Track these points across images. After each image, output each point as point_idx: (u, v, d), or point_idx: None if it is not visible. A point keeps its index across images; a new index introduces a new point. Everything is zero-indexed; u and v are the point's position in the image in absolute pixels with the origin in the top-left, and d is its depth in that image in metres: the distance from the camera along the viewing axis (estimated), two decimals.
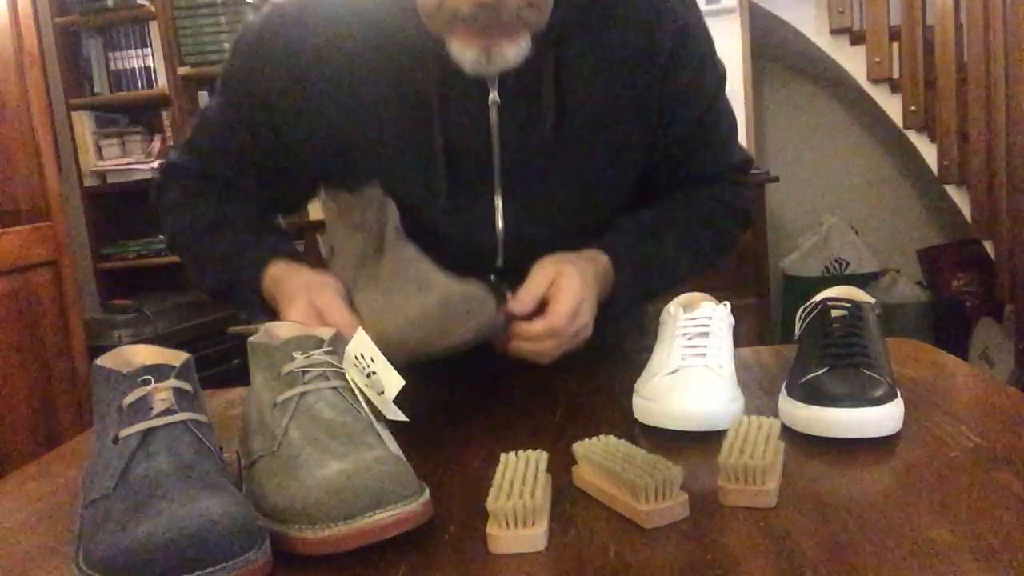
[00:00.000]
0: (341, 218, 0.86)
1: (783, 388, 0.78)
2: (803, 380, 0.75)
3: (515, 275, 0.89)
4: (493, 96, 0.88)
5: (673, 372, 0.79)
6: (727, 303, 0.86)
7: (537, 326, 0.84)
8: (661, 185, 1.03)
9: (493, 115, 0.89)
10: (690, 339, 0.81)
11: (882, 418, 0.70)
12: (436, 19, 0.81)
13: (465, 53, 0.81)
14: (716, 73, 0.98)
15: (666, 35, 0.90)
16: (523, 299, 0.86)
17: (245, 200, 1.00)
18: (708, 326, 0.82)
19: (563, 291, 0.85)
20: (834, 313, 0.81)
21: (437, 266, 0.83)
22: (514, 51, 0.82)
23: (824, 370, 0.74)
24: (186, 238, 1.02)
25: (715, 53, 0.98)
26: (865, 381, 0.72)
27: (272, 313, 0.89)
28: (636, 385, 0.82)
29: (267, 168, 0.97)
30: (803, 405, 0.72)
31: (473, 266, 0.89)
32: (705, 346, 0.80)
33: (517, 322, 0.85)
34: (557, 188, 0.94)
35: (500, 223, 0.94)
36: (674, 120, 0.95)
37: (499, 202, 0.94)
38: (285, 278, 0.89)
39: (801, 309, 0.85)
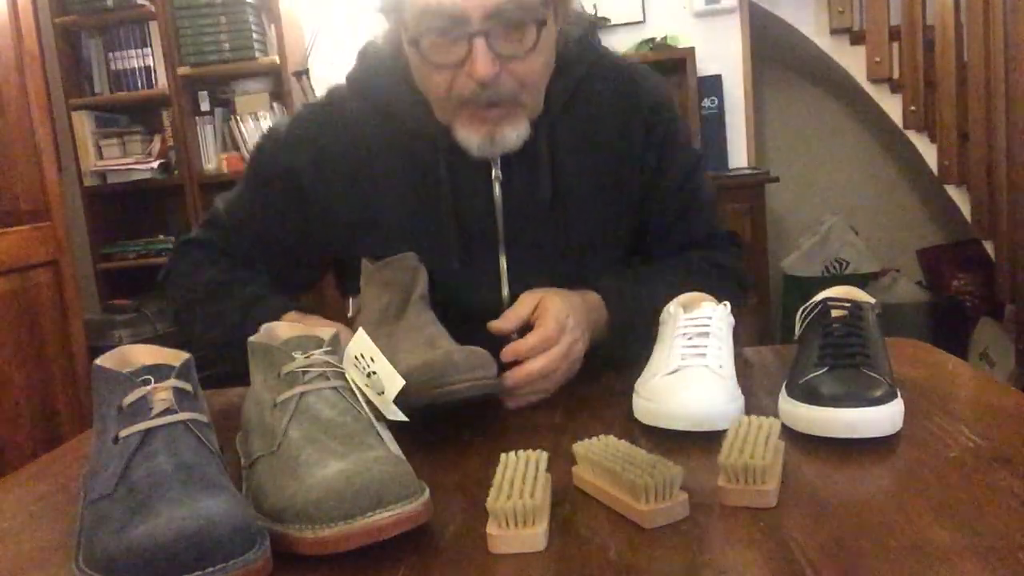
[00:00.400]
0: (374, 276, 0.89)
1: (783, 388, 0.78)
2: (803, 380, 0.75)
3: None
4: (496, 173, 1.00)
5: (673, 372, 0.79)
6: (727, 303, 0.86)
7: (530, 339, 0.88)
8: (656, 253, 1.11)
9: (496, 190, 1.01)
10: (690, 339, 0.81)
11: (882, 418, 0.70)
12: (445, 106, 0.95)
13: (471, 138, 0.95)
14: (692, 150, 1.12)
15: (640, 112, 1.04)
16: (507, 316, 0.92)
17: (258, 271, 1.07)
18: (708, 326, 0.82)
19: (548, 309, 0.91)
20: (834, 313, 0.81)
21: (449, 335, 0.87)
22: (515, 134, 0.95)
23: (824, 370, 0.74)
24: (196, 296, 1.06)
25: (688, 131, 1.13)
26: (865, 381, 0.72)
27: None
28: (636, 385, 0.82)
29: (284, 248, 1.07)
30: (803, 405, 0.72)
31: (482, 327, 0.95)
32: (705, 346, 0.80)
33: (510, 345, 0.88)
34: (556, 253, 1.04)
35: (506, 286, 1.04)
36: (657, 186, 1.07)
37: (504, 265, 1.04)
38: (304, 320, 0.94)
39: (801, 309, 0.85)
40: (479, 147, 0.96)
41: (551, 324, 0.89)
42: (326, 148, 1.02)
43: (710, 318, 0.83)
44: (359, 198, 1.00)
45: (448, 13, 0.87)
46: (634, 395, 0.82)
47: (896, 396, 0.72)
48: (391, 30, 0.98)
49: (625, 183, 1.06)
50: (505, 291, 1.04)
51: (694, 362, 0.79)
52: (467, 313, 0.95)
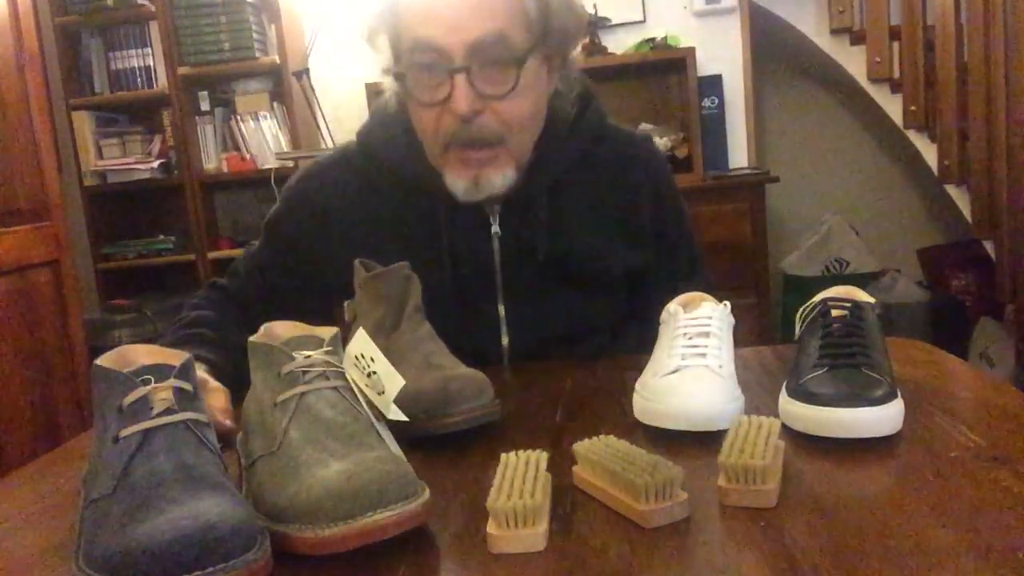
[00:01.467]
0: (368, 287, 0.89)
1: (783, 388, 0.78)
2: (803, 380, 0.75)
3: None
4: (495, 228, 1.05)
5: (673, 372, 0.79)
6: (727, 303, 0.86)
7: None
8: (648, 285, 1.14)
9: (495, 244, 1.05)
10: (690, 339, 0.81)
11: (882, 418, 0.70)
12: (434, 147, 0.98)
13: (457, 183, 0.98)
14: (681, 198, 1.21)
15: (641, 174, 1.11)
16: None
17: (240, 324, 1.05)
18: (708, 326, 0.82)
19: None
20: (834, 313, 0.81)
21: (447, 349, 0.87)
22: (500, 178, 0.98)
23: (824, 370, 0.74)
24: (174, 324, 1.12)
25: (678, 188, 1.21)
26: (865, 381, 0.72)
27: None
28: (636, 385, 0.82)
29: (289, 292, 1.12)
30: (803, 405, 0.72)
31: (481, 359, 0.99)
32: (705, 346, 0.80)
33: None
34: (555, 304, 1.07)
35: (505, 335, 1.08)
36: (661, 240, 1.13)
37: (502, 314, 1.07)
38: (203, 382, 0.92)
39: (801, 309, 0.85)
40: (465, 191, 0.98)
41: None
42: (329, 205, 1.08)
43: (710, 318, 0.83)
44: (360, 251, 0.97)
45: (432, 47, 0.91)
46: (634, 395, 0.82)
47: (896, 396, 0.72)
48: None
49: (627, 236, 1.11)
50: (504, 340, 1.08)
51: (694, 362, 0.79)
52: (466, 363, 0.95)
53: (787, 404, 0.75)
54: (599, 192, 1.09)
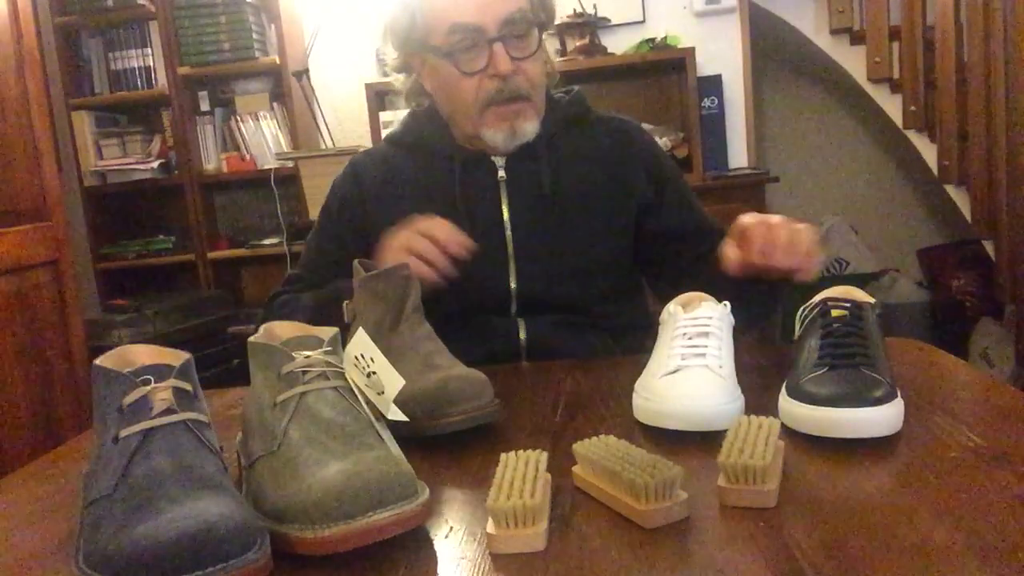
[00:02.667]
0: (367, 286, 0.90)
1: (783, 388, 0.78)
2: (803, 380, 0.74)
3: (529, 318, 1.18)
4: (501, 174, 1.21)
5: (673, 372, 0.79)
6: (727, 303, 0.86)
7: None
8: (679, 237, 1.24)
9: (503, 189, 1.21)
10: (690, 339, 0.81)
11: (882, 418, 0.70)
12: (473, 111, 1.16)
13: (496, 136, 1.17)
14: (678, 169, 1.34)
15: (632, 139, 1.28)
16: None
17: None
18: (708, 326, 0.82)
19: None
20: (834, 313, 0.81)
21: (446, 349, 0.88)
22: (530, 126, 1.18)
23: (824, 370, 0.74)
24: (291, 310, 1.19)
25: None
26: (865, 381, 0.72)
27: None
28: (636, 385, 0.82)
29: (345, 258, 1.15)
30: (803, 405, 0.72)
31: (492, 315, 1.19)
32: (705, 346, 0.80)
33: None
34: (559, 240, 1.20)
35: (513, 275, 1.19)
36: (664, 189, 1.25)
37: (511, 250, 1.19)
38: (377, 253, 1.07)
39: (801, 309, 0.85)
40: (504, 140, 1.17)
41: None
42: (364, 185, 1.27)
43: (710, 317, 0.83)
44: (390, 210, 1.17)
45: (472, 26, 1.13)
46: (634, 395, 0.82)
47: (896, 396, 0.72)
48: (413, 81, 1.25)
49: (621, 191, 1.23)
50: (512, 283, 1.19)
51: (694, 362, 0.79)
52: (478, 302, 1.17)
53: (787, 404, 0.75)
54: (592, 145, 1.26)
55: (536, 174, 1.21)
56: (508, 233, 1.20)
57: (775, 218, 1.00)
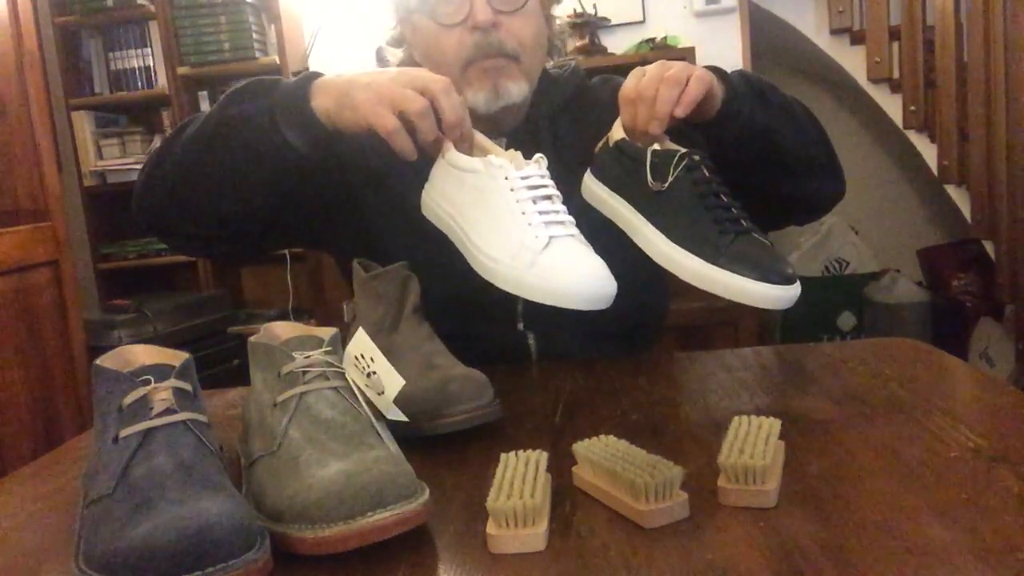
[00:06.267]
0: (367, 286, 0.90)
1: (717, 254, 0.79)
2: (728, 248, 0.77)
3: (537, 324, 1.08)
4: (502, 144, 1.07)
5: (548, 245, 0.74)
6: (543, 156, 0.82)
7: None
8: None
9: None
10: (536, 203, 0.76)
11: (793, 297, 0.76)
12: (455, 68, 1.05)
13: (478, 95, 1.06)
14: None
15: None
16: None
17: None
18: (547, 187, 0.76)
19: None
20: (704, 169, 0.81)
21: (446, 349, 0.88)
22: (515, 88, 1.07)
23: (732, 237, 0.77)
24: (196, 132, 1.03)
25: None
26: (774, 255, 0.77)
27: (317, 129, 0.97)
28: (493, 253, 0.76)
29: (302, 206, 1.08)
30: (760, 283, 0.76)
31: (496, 315, 1.07)
32: (557, 211, 0.76)
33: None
34: None
35: None
36: None
37: None
38: (347, 75, 0.98)
39: (650, 153, 0.84)
40: (485, 101, 1.06)
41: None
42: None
43: (544, 175, 0.77)
44: (382, 194, 1.10)
45: None
46: (493, 265, 0.76)
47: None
48: (406, 54, 1.16)
49: None
50: None
51: (559, 231, 0.74)
52: (481, 303, 1.03)
53: (714, 271, 0.77)
54: (592, 128, 1.13)
55: (535, 149, 1.12)
56: None
57: (644, 70, 0.92)
